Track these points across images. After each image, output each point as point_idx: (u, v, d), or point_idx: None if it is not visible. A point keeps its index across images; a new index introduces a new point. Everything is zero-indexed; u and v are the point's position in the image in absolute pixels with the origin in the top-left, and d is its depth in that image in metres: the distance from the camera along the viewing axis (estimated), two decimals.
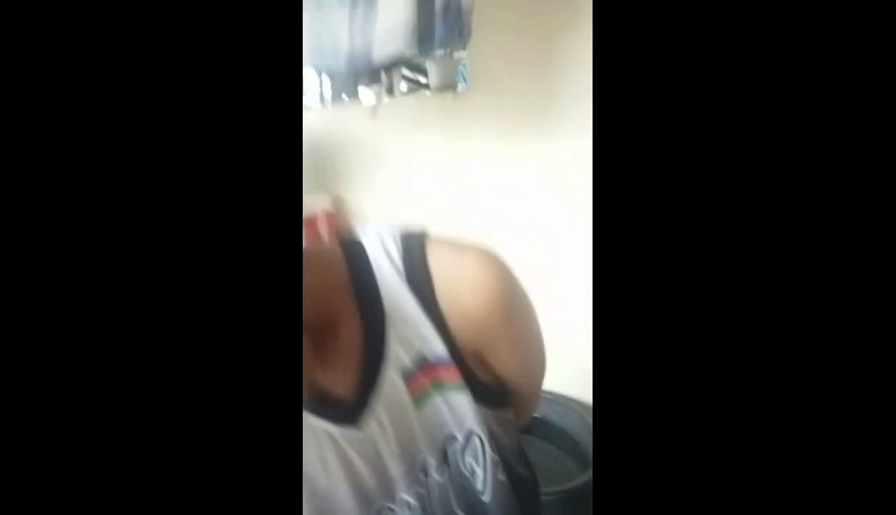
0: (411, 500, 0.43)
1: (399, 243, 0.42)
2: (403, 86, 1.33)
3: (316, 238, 1.47)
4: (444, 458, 0.43)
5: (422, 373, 0.40)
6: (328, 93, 1.49)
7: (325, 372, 0.40)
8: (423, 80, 1.33)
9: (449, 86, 1.29)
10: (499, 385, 0.45)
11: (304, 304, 0.36)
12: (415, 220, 1.44)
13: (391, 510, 0.44)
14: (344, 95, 1.46)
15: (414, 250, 0.41)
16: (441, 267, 0.40)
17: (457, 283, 0.40)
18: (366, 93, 1.39)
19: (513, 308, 0.43)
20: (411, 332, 0.40)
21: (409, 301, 0.39)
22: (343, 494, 0.43)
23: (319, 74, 1.33)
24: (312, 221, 1.50)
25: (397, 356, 0.40)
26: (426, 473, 0.43)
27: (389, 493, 0.43)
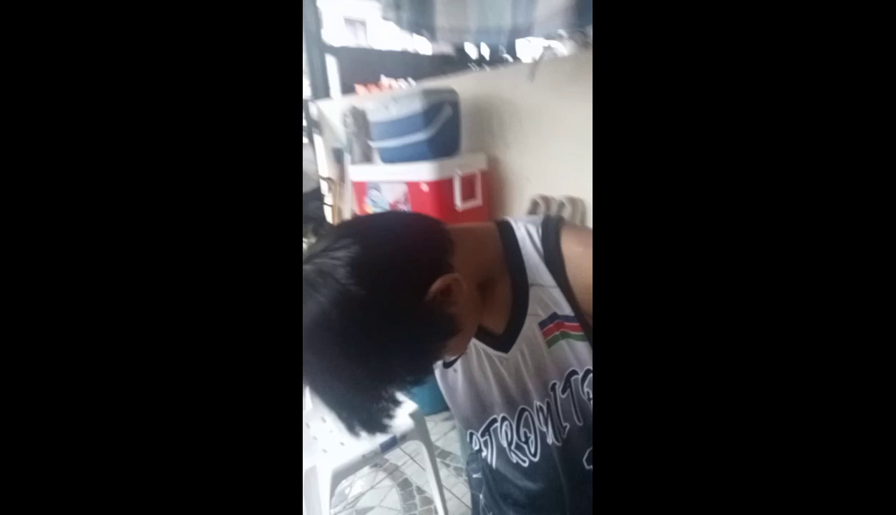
0: (542, 406, 0.58)
1: (540, 230, 0.54)
2: (559, 49, 1.38)
3: (471, 195, 1.61)
4: (567, 383, 0.56)
5: (553, 325, 0.54)
6: (488, 58, 1.60)
7: (486, 314, 0.54)
8: (579, 39, 1.36)
9: None
10: None
11: (472, 266, 0.49)
12: (560, 181, 1.48)
13: (526, 409, 0.60)
14: (504, 58, 1.56)
15: (550, 236, 0.53)
16: (570, 251, 0.52)
17: (581, 264, 0.51)
18: (524, 57, 1.47)
19: None
20: (546, 296, 0.53)
21: (546, 274, 0.52)
22: (496, 394, 0.60)
23: (479, 46, 1.43)
24: (470, 179, 1.65)
25: (535, 311, 0.53)
26: (554, 390, 0.57)
27: (527, 399, 0.59)
